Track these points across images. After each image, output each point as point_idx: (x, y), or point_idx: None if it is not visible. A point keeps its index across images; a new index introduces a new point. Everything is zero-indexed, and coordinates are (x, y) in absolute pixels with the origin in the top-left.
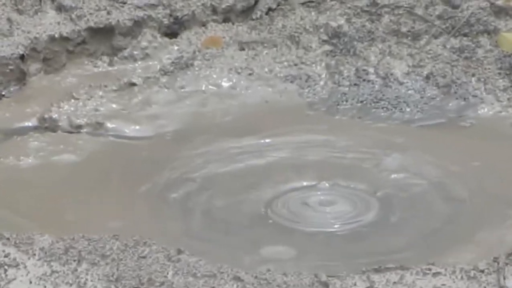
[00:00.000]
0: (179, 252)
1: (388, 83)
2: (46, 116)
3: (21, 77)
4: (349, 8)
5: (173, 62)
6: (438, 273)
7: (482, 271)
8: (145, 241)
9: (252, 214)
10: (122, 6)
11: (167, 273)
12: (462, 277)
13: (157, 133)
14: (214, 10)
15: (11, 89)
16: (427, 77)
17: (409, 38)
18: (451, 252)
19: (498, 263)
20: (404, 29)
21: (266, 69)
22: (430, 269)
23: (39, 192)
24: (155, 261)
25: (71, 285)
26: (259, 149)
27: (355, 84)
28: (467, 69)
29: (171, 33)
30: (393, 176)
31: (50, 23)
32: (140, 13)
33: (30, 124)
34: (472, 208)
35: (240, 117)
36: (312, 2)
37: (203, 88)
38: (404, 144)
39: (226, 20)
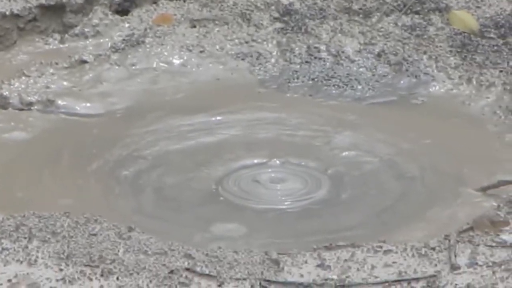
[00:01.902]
0: (130, 229)
1: (340, 61)
2: None
3: None
4: None
5: (124, 40)
6: (389, 251)
7: (433, 249)
8: (96, 218)
9: (203, 192)
10: None
11: (118, 251)
12: (413, 255)
13: (108, 111)
14: None
15: None
16: (379, 55)
17: (361, 15)
18: (403, 229)
19: (449, 241)
20: (355, 7)
21: (218, 47)
22: (381, 247)
23: None
24: (106, 239)
25: (21, 262)
26: (210, 126)
27: (306, 62)
28: (418, 47)
29: (122, 11)
30: (344, 153)
31: (1, 0)
32: None
33: None
34: (423, 186)
35: (191, 94)
36: None
37: (154, 66)
38: (356, 121)
39: None
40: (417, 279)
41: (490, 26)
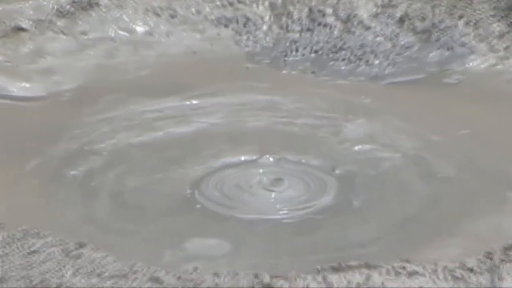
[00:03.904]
0: (81, 245)
1: (351, 28)
2: None
3: None
4: None
5: (73, 1)
6: (414, 273)
7: (471, 270)
8: (36, 231)
9: (175, 197)
10: None
11: (65, 273)
12: (445, 278)
13: (52, 93)
14: None
15: None
16: (401, 20)
17: None
18: (431, 245)
19: (492, 260)
20: None
21: (193, 10)
22: (404, 268)
23: None
24: (50, 257)
25: None
26: (183, 113)
27: (308, 29)
28: (452, 10)
29: None
30: (356, 148)
31: None
32: None
33: None
34: (458, 188)
35: (160, 71)
36: None
37: (112, 35)
38: (371, 106)
39: None
40: None
41: None
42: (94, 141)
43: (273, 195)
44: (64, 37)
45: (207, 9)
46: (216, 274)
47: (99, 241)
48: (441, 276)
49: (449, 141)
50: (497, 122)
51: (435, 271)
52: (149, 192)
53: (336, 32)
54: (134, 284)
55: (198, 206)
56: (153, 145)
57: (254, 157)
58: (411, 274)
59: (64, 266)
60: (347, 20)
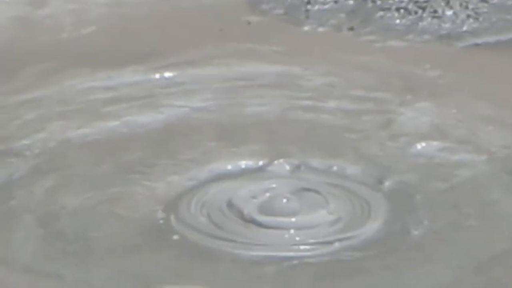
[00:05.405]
0: None
1: None
2: None
3: None
4: None
5: None
6: None
7: None
8: None
9: (139, 225)
10: None
11: None
12: None
13: None
14: None
15: None
16: None
17: None
18: None
19: None
20: None
21: None
22: None
23: None
24: None
25: None
26: (151, 92)
27: None
28: None
29: None
30: (417, 147)
31: None
32: None
33: None
34: None
35: (112, 29)
36: None
37: None
38: (441, 81)
39: None
40: None
41: None
42: (12, 136)
43: (290, 220)
44: None
45: None
46: None
47: None
48: None
49: None
50: None
51: None
52: (99, 216)
53: None
54: None
55: (175, 237)
56: (103, 142)
57: (260, 163)
58: None
59: None
60: None
